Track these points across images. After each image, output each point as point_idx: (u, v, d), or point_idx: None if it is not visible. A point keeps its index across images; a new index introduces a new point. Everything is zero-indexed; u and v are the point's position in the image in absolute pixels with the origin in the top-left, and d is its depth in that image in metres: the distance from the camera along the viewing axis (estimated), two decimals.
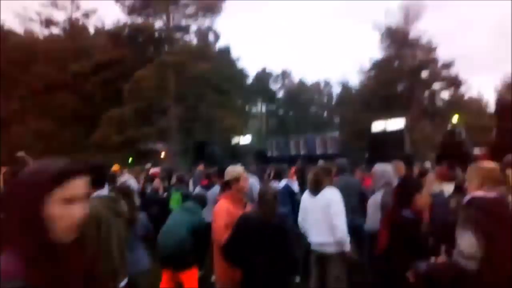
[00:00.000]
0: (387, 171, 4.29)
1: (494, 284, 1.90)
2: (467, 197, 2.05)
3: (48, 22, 27.32)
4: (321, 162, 8.15)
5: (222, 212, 3.37)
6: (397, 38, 35.92)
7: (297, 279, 5.18)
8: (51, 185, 1.03)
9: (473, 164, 2.13)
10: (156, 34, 23.41)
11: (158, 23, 23.68)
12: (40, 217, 1.01)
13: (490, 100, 38.28)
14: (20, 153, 5.04)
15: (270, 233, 3.00)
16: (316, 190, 3.91)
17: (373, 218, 3.96)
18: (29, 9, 26.88)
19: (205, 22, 24.85)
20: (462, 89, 37.09)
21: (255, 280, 2.95)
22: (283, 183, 6.49)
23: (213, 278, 3.70)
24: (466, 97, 37.58)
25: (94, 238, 2.37)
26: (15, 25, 27.44)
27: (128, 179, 7.14)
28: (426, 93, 37.24)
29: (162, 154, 23.81)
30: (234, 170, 3.59)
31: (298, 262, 3.70)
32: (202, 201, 4.63)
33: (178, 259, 4.15)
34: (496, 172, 2.10)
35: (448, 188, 4.70)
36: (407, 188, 2.85)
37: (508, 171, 2.02)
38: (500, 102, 11.93)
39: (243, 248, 3.01)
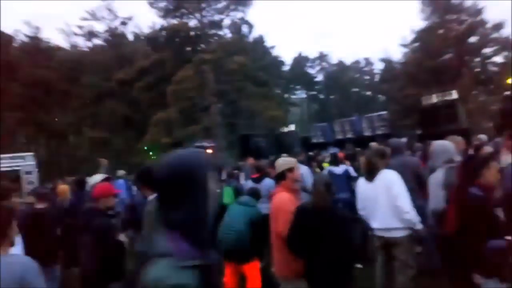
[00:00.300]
0: (448, 147, 3.99)
1: None
2: None
3: (90, 34, 28.67)
4: (373, 144, 7.91)
5: (287, 203, 3.36)
6: (440, 4, 33.77)
7: (359, 265, 5.10)
8: None
9: None
10: (192, 33, 23.75)
11: (193, 22, 24.03)
12: None
13: None
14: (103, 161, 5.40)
15: (327, 221, 3.00)
16: (371, 175, 3.78)
17: (435, 197, 3.74)
18: (71, 24, 28.28)
19: (237, 14, 24.86)
20: None
21: (319, 269, 2.95)
22: (341, 168, 6.40)
23: (273, 269, 3.71)
24: None
25: None
26: (60, 41, 28.99)
27: None
28: (477, 60, 34.82)
29: (209, 151, 24.35)
30: (286, 161, 3.60)
31: (359, 248, 3.61)
32: (256, 194, 4.68)
33: (240, 252, 4.22)
34: None
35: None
36: (473, 164, 2.66)
37: None
38: None
39: (304, 238, 3.02)
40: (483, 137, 9.32)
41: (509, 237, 2.26)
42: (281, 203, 3.39)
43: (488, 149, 5.43)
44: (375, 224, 3.85)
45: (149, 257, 1.05)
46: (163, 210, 1.10)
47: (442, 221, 3.66)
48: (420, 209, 4.11)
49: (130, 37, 30.30)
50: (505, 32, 32.91)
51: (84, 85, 25.06)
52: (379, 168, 3.78)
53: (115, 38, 28.63)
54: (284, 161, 3.59)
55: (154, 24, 24.90)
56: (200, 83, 21.60)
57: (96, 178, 4.55)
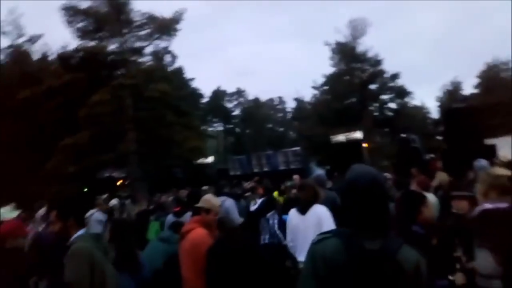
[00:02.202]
0: None
1: None
2: (478, 209, 2.05)
3: None
4: (296, 177, 8.31)
5: (207, 240, 3.29)
6: (346, 53, 37.79)
7: None
8: None
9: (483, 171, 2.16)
10: (110, 57, 22.75)
11: (112, 46, 23.11)
12: None
13: (432, 108, 41.01)
14: None
15: (239, 258, 2.96)
16: (306, 208, 3.92)
17: None
18: None
19: (161, 43, 24.59)
20: (407, 99, 39.46)
21: None
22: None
23: None
24: (411, 106, 39.93)
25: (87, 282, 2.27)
26: None
27: (95, 212, 6.83)
28: (376, 105, 39.31)
29: (119, 182, 22.98)
30: (209, 201, 3.58)
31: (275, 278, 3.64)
32: (176, 228, 4.32)
33: None
34: (503, 179, 2.04)
35: (428, 197, 4.98)
36: (411, 201, 2.74)
37: None
38: (447, 111, 12.83)
39: (222, 276, 2.96)
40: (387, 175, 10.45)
41: (451, 277, 2.29)
42: (202, 239, 3.30)
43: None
44: (302, 257, 3.82)
45: None
46: None
47: None
48: None
49: (38, 55, 27.90)
50: (400, 81, 38.09)
51: None
52: (314, 202, 3.95)
53: (20, 55, 26.11)
54: (207, 199, 3.58)
55: (68, 45, 23.41)
56: (116, 109, 20.55)
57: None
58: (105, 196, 12.25)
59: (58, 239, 2.66)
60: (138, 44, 23.49)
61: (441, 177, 5.80)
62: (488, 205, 2.04)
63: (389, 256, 1.37)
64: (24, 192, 16.76)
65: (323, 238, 1.52)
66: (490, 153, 7.19)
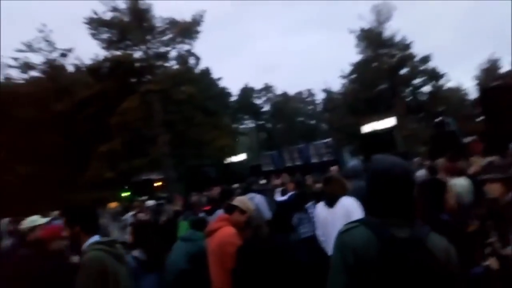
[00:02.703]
0: None
1: None
2: None
3: (26, 66, 27.10)
4: (333, 168, 8.10)
5: (234, 238, 3.26)
6: (372, 39, 36.71)
7: None
8: None
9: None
10: (136, 65, 23.36)
11: (137, 54, 23.73)
12: None
13: (470, 88, 39.06)
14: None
15: (267, 258, 2.92)
16: (333, 201, 3.83)
17: None
18: (5, 56, 26.58)
19: (184, 47, 24.98)
20: (441, 81, 37.84)
21: None
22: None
23: None
24: (446, 89, 38.28)
25: None
26: None
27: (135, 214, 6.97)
28: (408, 90, 37.96)
29: (157, 184, 23.54)
30: (244, 203, 3.52)
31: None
32: (200, 226, 4.30)
33: None
34: None
35: (459, 182, 4.67)
36: (435, 191, 2.68)
37: None
38: (485, 90, 12.09)
39: (250, 276, 2.94)
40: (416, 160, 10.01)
41: (485, 263, 2.21)
42: (230, 238, 3.26)
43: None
44: None
45: None
46: None
47: None
48: None
49: (71, 68, 29.10)
50: (432, 64, 36.53)
51: (16, 117, 23.34)
52: (340, 194, 3.84)
53: (54, 69, 27.32)
54: (242, 201, 3.54)
55: (97, 56, 24.25)
56: (146, 114, 21.09)
57: (33, 220, 4.08)
58: (144, 198, 12.59)
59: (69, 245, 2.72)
60: (162, 49, 24.01)
61: (475, 162, 5.43)
62: None
63: (419, 244, 1.38)
64: (66, 200, 17.56)
65: (350, 227, 1.51)
66: None
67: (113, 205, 10.21)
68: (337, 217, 3.77)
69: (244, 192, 6.15)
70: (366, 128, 16.72)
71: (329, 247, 3.90)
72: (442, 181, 2.71)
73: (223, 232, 3.34)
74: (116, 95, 21.19)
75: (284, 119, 46.72)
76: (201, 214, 6.47)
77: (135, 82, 23.05)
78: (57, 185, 20.60)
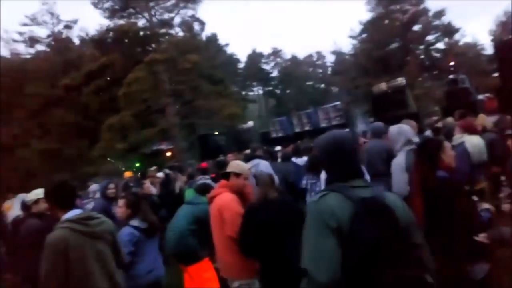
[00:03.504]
0: (405, 129, 3.98)
1: None
2: None
3: (32, 40, 27.00)
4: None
5: (233, 203, 3.28)
6: None
7: None
8: None
9: None
10: (141, 33, 22.92)
11: (141, 22, 23.22)
12: None
13: (486, 44, 37.42)
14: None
15: (279, 213, 2.95)
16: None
17: (398, 181, 3.72)
18: (10, 30, 26.51)
19: (188, 12, 24.35)
20: (456, 36, 36.34)
21: (277, 267, 2.87)
22: (303, 159, 6.46)
23: (220, 270, 3.59)
24: (461, 44, 36.81)
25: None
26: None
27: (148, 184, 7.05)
28: (421, 47, 36.66)
29: (168, 154, 23.80)
30: (239, 165, 3.52)
31: None
32: (203, 191, 4.40)
33: (182, 253, 4.06)
34: None
35: (472, 140, 4.50)
36: (432, 147, 2.63)
37: None
38: (500, 45, 11.54)
39: (259, 237, 2.94)
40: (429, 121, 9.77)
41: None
42: (227, 204, 3.28)
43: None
44: None
45: None
46: None
47: (408, 205, 3.69)
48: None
49: (76, 41, 28.86)
50: (446, 19, 34.98)
51: (28, 94, 23.54)
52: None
53: (60, 43, 27.13)
54: (236, 164, 3.52)
55: (101, 26, 23.86)
56: (153, 84, 20.94)
57: (37, 193, 4.15)
58: (154, 168, 12.73)
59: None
60: (165, 16, 23.44)
61: (480, 120, 5.26)
62: None
63: (382, 201, 1.56)
64: (79, 173, 17.93)
65: (322, 195, 1.61)
66: None
67: (128, 174, 10.34)
68: None
69: (248, 159, 6.08)
70: (377, 89, 16.29)
71: None
72: (437, 140, 2.65)
73: (221, 198, 3.37)
74: (122, 66, 21.00)
75: (293, 84, 46.01)
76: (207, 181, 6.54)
77: (140, 52, 22.72)
78: (71, 158, 20.98)
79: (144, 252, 3.48)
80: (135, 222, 3.51)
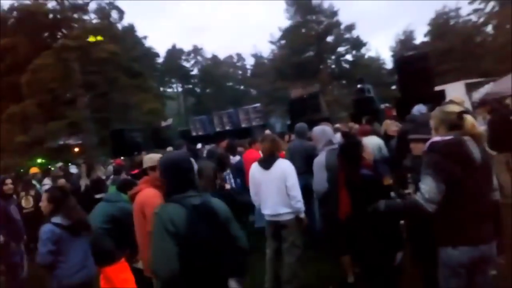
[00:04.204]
0: (327, 131, 4.35)
1: (459, 228, 2.02)
2: (427, 143, 2.13)
3: None
4: (267, 132, 8.26)
5: (155, 199, 3.04)
6: (301, 5, 37.18)
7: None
8: None
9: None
10: (50, 16, 20.82)
11: (51, 4, 21.10)
12: None
13: (386, 59, 41.89)
14: None
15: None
16: (269, 163, 3.89)
17: (319, 179, 4.05)
18: None
19: None
20: (363, 50, 40.00)
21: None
22: (237, 158, 6.53)
23: (140, 264, 3.44)
24: (366, 57, 40.58)
25: None
26: None
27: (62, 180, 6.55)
28: (333, 57, 39.59)
29: (76, 149, 22.07)
30: (152, 157, 3.43)
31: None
32: (124, 187, 4.10)
33: (96, 254, 3.75)
34: (452, 115, 2.14)
35: (371, 141, 5.17)
36: (355, 148, 2.95)
37: (466, 116, 2.09)
38: (400, 60, 13.08)
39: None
40: (351, 124, 10.73)
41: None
42: (148, 200, 3.12)
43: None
44: (266, 211, 3.99)
45: None
46: None
47: (326, 201, 4.05)
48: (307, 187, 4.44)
49: None
50: (355, 33, 38.29)
51: None
52: (276, 157, 3.91)
53: None
54: (148, 158, 3.45)
55: (1, 5, 21.12)
56: (63, 73, 19.20)
57: None
58: (60, 164, 11.75)
59: None
60: (79, 0, 21.64)
61: (386, 126, 6.12)
62: (436, 138, 2.15)
63: (209, 206, 2.06)
64: None
65: (163, 206, 2.06)
66: (440, 98, 7.45)
67: (34, 170, 9.37)
68: (272, 179, 3.85)
69: None
70: (294, 93, 17.21)
71: (262, 206, 4.03)
72: (358, 141, 3.04)
73: (142, 194, 3.22)
74: (26, 50, 18.85)
75: (214, 83, 46.04)
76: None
77: (48, 36, 20.65)
78: None
79: (69, 251, 3.26)
80: (57, 219, 3.26)
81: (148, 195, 3.23)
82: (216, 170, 3.40)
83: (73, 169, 10.84)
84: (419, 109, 5.22)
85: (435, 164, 2.05)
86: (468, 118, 2.11)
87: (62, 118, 19.73)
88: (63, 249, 3.22)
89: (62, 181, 6.81)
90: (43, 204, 3.37)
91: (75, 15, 21.51)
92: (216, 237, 2.02)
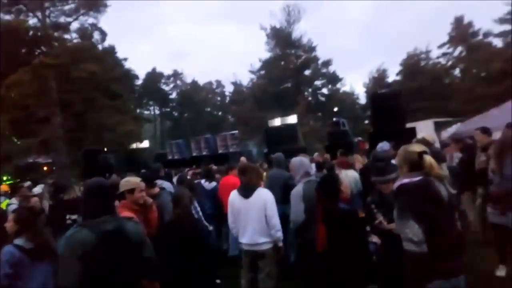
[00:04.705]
0: (304, 162, 4.44)
1: (442, 255, 2.09)
2: (396, 184, 2.24)
3: None
4: (243, 159, 8.32)
5: None
6: (281, 38, 38.46)
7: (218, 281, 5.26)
8: None
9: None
10: (31, 33, 20.60)
11: (32, 21, 20.92)
12: None
13: (360, 94, 43.40)
14: None
15: (185, 237, 3.05)
16: (249, 191, 3.94)
17: (296, 210, 4.09)
18: None
19: (88, 19, 22.82)
20: (338, 85, 41.37)
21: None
22: (212, 184, 6.52)
23: None
24: (341, 92, 41.90)
25: None
26: None
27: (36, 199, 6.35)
28: (310, 90, 40.77)
29: (45, 168, 21.38)
30: (129, 181, 3.50)
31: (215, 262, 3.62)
32: None
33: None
34: (413, 155, 2.22)
35: (348, 174, 5.38)
36: (333, 182, 3.07)
37: (425, 156, 2.19)
38: (373, 96, 13.65)
39: (164, 257, 2.96)
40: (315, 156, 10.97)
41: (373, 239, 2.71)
42: None
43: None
44: (244, 239, 4.01)
45: None
46: None
47: (302, 232, 4.13)
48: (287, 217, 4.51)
49: None
50: (331, 68, 39.74)
51: None
52: (256, 185, 3.99)
53: None
54: (125, 182, 3.50)
55: None
56: (39, 90, 18.83)
57: None
58: (28, 183, 11.35)
59: None
60: (62, 19, 21.56)
61: (356, 158, 6.41)
62: (404, 180, 2.22)
63: (121, 231, 2.21)
64: None
65: (74, 231, 2.17)
66: (410, 135, 7.79)
67: (4, 188, 9.02)
68: (252, 207, 3.89)
69: (150, 179, 5.98)
70: (272, 123, 17.50)
71: (240, 235, 4.06)
72: (336, 175, 3.18)
73: None
74: (4, 65, 18.44)
75: (192, 108, 46.11)
76: None
77: (27, 52, 20.33)
78: None
79: (26, 276, 3.06)
80: (19, 241, 3.11)
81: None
82: (191, 198, 3.41)
83: (37, 189, 10.44)
84: (382, 146, 5.42)
85: (412, 207, 2.11)
86: (427, 158, 2.22)
87: (34, 136, 19.16)
88: (21, 273, 3.03)
89: (34, 200, 6.60)
90: (9, 224, 3.21)
91: (56, 34, 21.33)
92: (126, 259, 2.18)
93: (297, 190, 4.22)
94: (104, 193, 2.30)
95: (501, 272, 4.46)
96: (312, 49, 38.76)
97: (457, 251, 2.19)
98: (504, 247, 4.41)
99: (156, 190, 4.48)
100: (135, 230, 2.29)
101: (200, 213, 5.30)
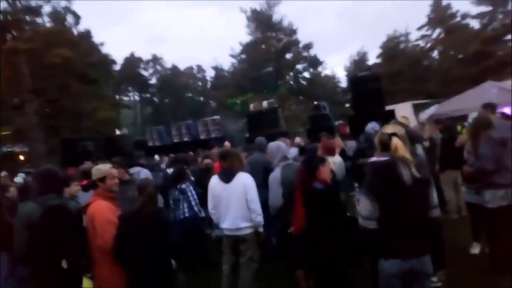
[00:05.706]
0: (282, 147, 4.47)
1: (389, 242, 2.14)
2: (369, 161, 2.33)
3: None
4: (227, 144, 8.24)
5: (105, 212, 3.16)
6: (262, 22, 38.02)
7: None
8: None
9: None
10: (0, 17, 19.68)
11: (2, 4, 19.96)
12: None
13: (341, 77, 43.63)
14: None
15: (149, 225, 2.99)
16: (230, 176, 3.91)
17: (274, 193, 4.15)
18: None
19: (60, 2, 21.95)
20: (319, 68, 41.43)
21: (139, 276, 2.94)
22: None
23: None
24: (322, 76, 42.03)
25: None
26: None
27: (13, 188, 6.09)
28: (291, 74, 40.67)
29: (22, 157, 20.79)
30: (100, 169, 3.42)
31: (181, 249, 3.57)
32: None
33: None
34: (384, 136, 2.26)
35: (335, 160, 5.37)
36: (312, 163, 3.11)
37: (393, 138, 2.20)
38: (354, 79, 13.68)
39: (130, 246, 2.95)
40: (297, 139, 10.99)
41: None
42: (97, 212, 3.16)
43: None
44: (225, 224, 3.98)
45: None
46: None
47: (281, 216, 4.14)
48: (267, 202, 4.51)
49: None
50: (312, 51, 39.63)
51: None
52: (237, 170, 3.94)
53: None
54: (97, 169, 3.42)
55: None
56: (11, 77, 18.14)
57: None
58: (4, 173, 11.08)
59: None
60: (33, 2, 20.67)
61: (337, 141, 6.40)
62: (374, 158, 2.31)
63: (63, 206, 2.73)
64: None
65: (23, 204, 2.68)
66: (390, 118, 7.84)
67: None
68: (233, 193, 3.87)
69: (129, 166, 5.82)
70: (253, 107, 17.41)
71: (221, 220, 4.02)
72: (319, 157, 3.20)
73: (92, 207, 3.22)
74: None
75: (172, 94, 45.38)
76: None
77: None
78: None
79: None
80: None
81: (98, 207, 3.19)
82: (157, 188, 3.33)
83: (18, 179, 10.18)
84: (373, 126, 5.41)
85: (368, 184, 2.22)
86: (394, 141, 2.23)
87: (7, 124, 18.56)
88: None
89: (12, 190, 6.36)
90: None
91: (28, 18, 20.46)
92: (66, 229, 2.69)
93: (275, 175, 4.26)
94: (50, 176, 2.78)
95: (474, 249, 4.60)
96: (293, 32, 38.49)
97: (417, 235, 2.20)
98: (477, 225, 4.54)
99: (126, 177, 4.38)
100: (75, 207, 2.82)
101: (195, 197, 5.25)
